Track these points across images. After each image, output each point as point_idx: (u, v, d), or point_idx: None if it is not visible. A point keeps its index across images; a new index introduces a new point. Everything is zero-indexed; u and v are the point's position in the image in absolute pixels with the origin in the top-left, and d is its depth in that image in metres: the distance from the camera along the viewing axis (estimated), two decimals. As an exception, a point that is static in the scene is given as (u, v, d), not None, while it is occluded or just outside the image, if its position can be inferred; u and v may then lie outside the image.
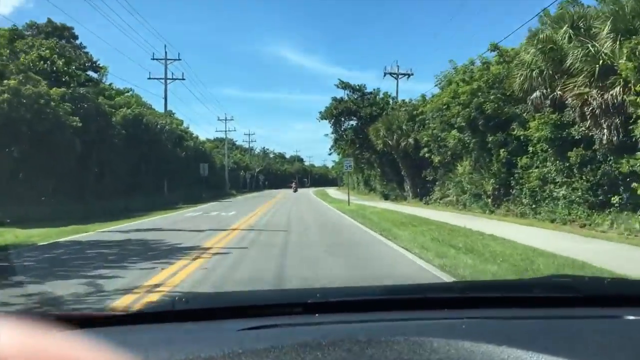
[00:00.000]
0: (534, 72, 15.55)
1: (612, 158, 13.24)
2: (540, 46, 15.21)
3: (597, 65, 12.92)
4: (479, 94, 18.50)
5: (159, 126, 31.60)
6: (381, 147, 30.87)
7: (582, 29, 14.54)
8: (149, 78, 40.50)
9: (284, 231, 12.14)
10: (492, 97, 17.58)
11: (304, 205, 28.32)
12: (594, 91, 13.05)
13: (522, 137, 17.24)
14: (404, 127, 30.02)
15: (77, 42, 35.52)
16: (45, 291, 5.48)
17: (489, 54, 19.11)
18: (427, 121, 28.91)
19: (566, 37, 14.70)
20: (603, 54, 12.93)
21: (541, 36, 15.23)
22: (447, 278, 5.95)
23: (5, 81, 19.88)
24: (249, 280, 6.01)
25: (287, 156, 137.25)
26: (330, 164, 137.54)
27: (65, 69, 25.30)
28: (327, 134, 39.72)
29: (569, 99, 14.27)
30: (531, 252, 8.07)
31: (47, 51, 25.00)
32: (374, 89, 36.62)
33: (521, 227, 13.73)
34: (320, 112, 36.36)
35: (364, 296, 1.49)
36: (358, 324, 1.21)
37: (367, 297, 1.47)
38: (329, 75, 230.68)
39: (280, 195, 45.76)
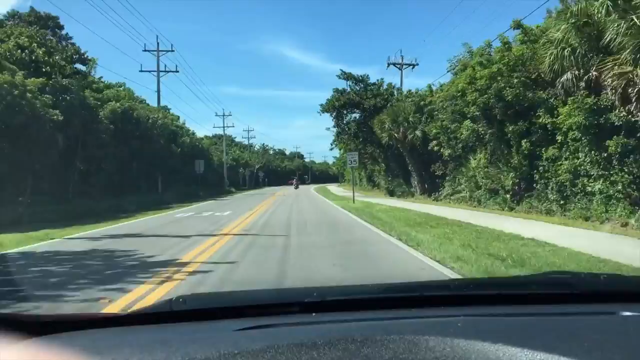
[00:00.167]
0: (566, 51, 13.72)
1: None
2: (572, 21, 13.37)
3: (645, 39, 11.13)
4: (499, 78, 16.65)
5: (150, 121, 29.74)
6: (386, 140, 29.04)
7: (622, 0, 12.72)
8: (141, 70, 38.67)
9: (283, 236, 10.32)
10: (515, 80, 15.71)
11: (306, 203, 26.51)
12: (640, 69, 11.26)
13: (548, 125, 15.42)
14: (410, 118, 28.17)
15: (64, 32, 33.71)
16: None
17: (510, 33, 17.21)
18: (435, 112, 27.10)
19: (603, 10, 12.84)
20: (652, 26, 11.13)
21: (574, 9, 13.38)
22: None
23: (-25, 70, 18.09)
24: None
25: (287, 153, 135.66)
26: (331, 160, 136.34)
27: (47, 58, 23.48)
28: (329, 128, 37.86)
29: (608, 80, 12.45)
30: (600, 264, 6.30)
31: (27, 40, 23.19)
32: (377, 80, 34.75)
33: (556, 227, 11.91)
34: (321, 105, 34.51)
35: (361, 295, 1.47)
36: (355, 323, 1.19)
37: (364, 296, 1.45)
38: (330, 72, 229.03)
39: (280, 193, 43.94)
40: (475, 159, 22.40)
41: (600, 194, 13.43)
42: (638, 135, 12.20)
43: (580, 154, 14.09)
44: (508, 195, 19.04)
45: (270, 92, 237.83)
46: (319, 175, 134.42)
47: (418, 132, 27.38)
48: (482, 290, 1.53)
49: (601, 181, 13.36)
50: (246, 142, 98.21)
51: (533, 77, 15.73)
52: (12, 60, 21.24)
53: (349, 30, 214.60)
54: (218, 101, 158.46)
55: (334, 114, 34.40)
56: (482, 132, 20.46)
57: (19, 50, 22.24)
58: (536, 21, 28.00)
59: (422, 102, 28.46)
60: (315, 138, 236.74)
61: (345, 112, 34.56)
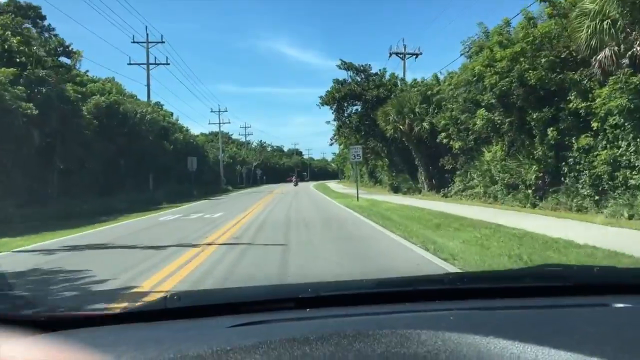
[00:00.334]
0: (605, 24, 11.85)
1: None
2: (613, -12, 11.51)
3: None
4: (521, 59, 14.78)
5: (138, 115, 27.81)
6: (391, 133, 27.14)
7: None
8: (129, 63, 36.64)
9: (280, 246, 8.40)
10: (543, 60, 13.84)
11: (306, 202, 24.63)
12: None
13: (581, 111, 13.59)
14: (417, 109, 26.29)
15: (46, 23, 31.69)
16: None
17: (534, 7, 15.30)
18: (444, 102, 25.24)
19: (651, -27, 11.01)
20: None
21: (616, -26, 11.52)
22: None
23: None
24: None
25: (285, 150, 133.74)
26: (329, 157, 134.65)
27: (22, 48, 21.55)
28: (329, 121, 35.83)
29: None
30: None
31: (-1, 28, 21.27)
32: (379, 70, 32.73)
33: (606, 229, 10.06)
34: (320, 97, 32.46)
35: (355, 290, 1.45)
36: (348, 318, 1.19)
37: (358, 291, 1.43)
38: (328, 69, 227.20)
39: (278, 191, 42.06)
40: (490, 152, 20.56)
41: (647, 187, 11.64)
42: (697, 118, 10.40)
43: (622, 143, 12.26)
44: (530, 191, 17.21)
45: (268, 90, 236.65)
46: (317, 172, 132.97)
47: (425, 124, 25.51)
48: (475, 284, 1.50)
49: (648, 173, 11.57)
50: (243, 139, 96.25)
51: (562, 56, 13.86)
52: (-19, 50, 19.36)
53: (348, 26, 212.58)
54: (215, 99, 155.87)
55: (334, 106, 32.40)
56: (499, 121, 18.62)
57: (-11, 39, 20.33)
58: None
59: (428, 92, 26.58)
60: (313, 135, 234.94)
61: (346, 104, 32.58)
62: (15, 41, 21.15)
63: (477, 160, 21.86)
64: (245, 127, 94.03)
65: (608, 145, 12.78)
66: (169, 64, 37.75)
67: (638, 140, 11.68)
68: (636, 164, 11.90)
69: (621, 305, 1.23)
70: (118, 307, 1.48)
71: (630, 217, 11.80)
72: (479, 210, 16.28)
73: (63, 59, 30.75)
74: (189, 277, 5.74)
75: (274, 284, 2.34)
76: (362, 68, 32.03)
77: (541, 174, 16.47)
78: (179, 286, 4.98)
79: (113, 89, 31.55)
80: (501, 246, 7.42)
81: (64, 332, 1.15)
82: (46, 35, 30.94)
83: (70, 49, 32.15)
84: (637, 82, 11.33)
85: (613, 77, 11.86)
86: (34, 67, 21.44)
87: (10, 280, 5.04)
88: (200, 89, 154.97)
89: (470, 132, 22.28)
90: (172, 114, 46.22)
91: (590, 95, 13.09)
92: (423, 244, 8.07)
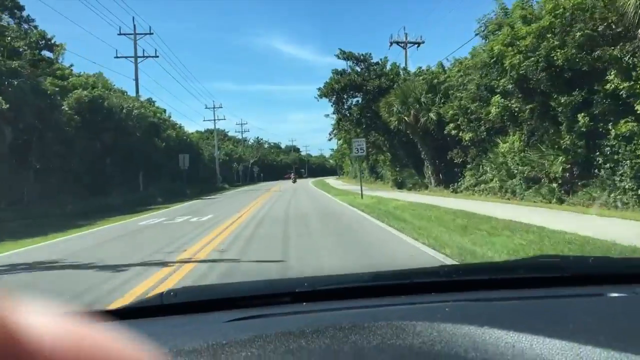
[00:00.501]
0: (655, -13, 10.11)
1: None
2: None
3: None
4: (548, 35, 13.02)
5: (124, 111, 25.96)
6: (395, 125, 25.34)
7: None
8: (116, 57, 34.72)
9: (277, 263, 6.57)
10: (577, 35, 12.06)
11: (305, 201, 22.85)
12: None
13: (622, 92, 11.84)
14: (422, 99, 24.50)
15: (25, 14, 29.79)
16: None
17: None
18: (451, 91, 23.48)
19: None
20: None
21: None
22: None
23: None
24: None
25: (283, 146, 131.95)
26: (327, 153, 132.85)
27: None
28: (328, 114, 33.97)
29: None
30: None
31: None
32: (381, 59, 30.81)
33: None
34: (319, 89, 30.60)
35: (351, 283, 1.44)
36: (344, 311, 1.19)
37: (355, 284, 1.43)
38: (324, 65, 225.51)
39: (275, 188, 40.25)
40: (505, 143, 18.83)
41: None
42: None
43: (674, 127, 10.54)
44: (555, 185, 15.47)
45: (265, 87, 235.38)
46: (315, 168, 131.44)
47: (432, 115, 23.73)
48: (471, 276, 1.50)
49: None
50: (240, 137, 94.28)
51: (599, 29, 12.10)
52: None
53: (344, 20, 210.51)
54: (212, 97, 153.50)
55: (333, 98, 30.52)
56: (517, 108, 16.89)
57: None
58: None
59: (435, 80, 24.79)
60: (311, 131, 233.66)
61: (345, 96, 30.71)
62: (-17, 30, 19.34)
63: (490, 153, 20.11)
64: (242, 124, 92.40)
65: (655, 131, 11.08)
66: (157, 56, 35.87)
67: (696, 123, 9.96)
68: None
69: (616, 294, 1.22)
70: (113, 305, 1.52)
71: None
72: (500, 207, 14.54)
73: (46, 53, 29.12)
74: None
75: (271, 279, 2.04)
76: (362, 57, 30.15)
77: (569, 166, 14.74)
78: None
79: (99, 83, 29.73)
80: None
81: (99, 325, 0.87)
82: (26, 27, 29.09)
83: (52, 42, 30.36)
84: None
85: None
86: (5, 58, 19.62)
87: None
88: (197, 87, 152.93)
89: (482, 122, 20.54)
90: (164, 110, 44.35)
91: (633, 74, 11.35)
92: (460, 256, 6.30)
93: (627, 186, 12.15)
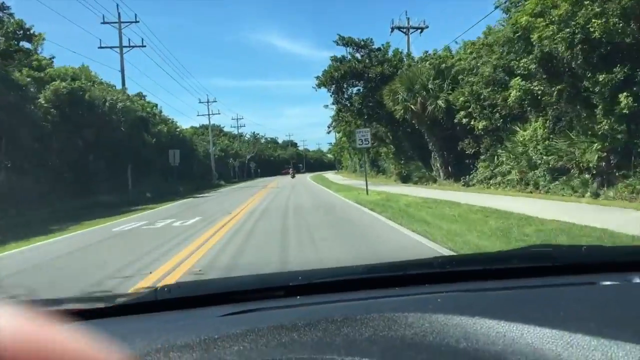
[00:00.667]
0: None
1: None
2: None
3: None
4: (586, 2, 11.19)
5: (108, 104, 24.05)
6: (401, 114, 23.49)
7: None
8: (100, 47, 32.69)
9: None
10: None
11: (305, 198, 21.01)
12: None
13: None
14: (430, 85, 22.65)
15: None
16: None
17: None
18: (461, 76, 21.67)
19: None
20: None
21: None
22: None
23: None
24: None
25: (280, 141, 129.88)
26: (325, 148, 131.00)
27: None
28: (327, 105, 31.99)
29: None
30: None
31: None
32: (382, 44, 28.83)
33: None
34: (317, 77, 28.64)
35: (345, 276, 1.43)
36: (337, 304, 1.18)
37: (349, 277, 1.42)
38: (319, 60, 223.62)
39: (273, 184, 38.41)
40: (526, 130, 17.04)
41: None
42: None
43: None
44: (588, 176, 13.69)
45: (260, 83, 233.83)
46: (313, 163, 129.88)
47: (440, 102, 21.90)
48: (464, 267, 1.50)
49: None
50: (236, 132, 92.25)
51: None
52: None
53: (339, 12, 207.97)
54: (208, 93, 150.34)
55: (333, 87, 28.58)
56: (540, 91, 15.09)
57: None
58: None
59: (442, 65, 22.95)
60: (308, 126, 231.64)
61: (345, 85, 28.78)
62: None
63: (507, 142, 18.32)
64: (238, 119, 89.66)
65: None
66: (144, 46, 33.89)
67: None
68: None
69: (608, 282, 1.23)
70: (105, 302, 1.34)
71: None
72: (528, 202, 12.78)
73: (25, 45, 27.24)
74: None
75: (266, 273, 1.66)
76: (362, 43, 28.16)
77: (605, 154, 12.95)
78: None
79: (82, 75, 27.79)
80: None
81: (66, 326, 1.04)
82: (0, 14, 27.15)
83: (31, 32, 28.43)
84: None
85: None
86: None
87: None
88: (192, 83, 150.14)
89: (497, 109, 18.75)
90: (156, 105, 42.37)
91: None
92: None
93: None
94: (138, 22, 33.35)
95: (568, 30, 11.50)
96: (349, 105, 29.04)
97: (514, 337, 0.84)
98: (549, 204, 11.96)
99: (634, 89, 11.40)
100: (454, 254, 5.51)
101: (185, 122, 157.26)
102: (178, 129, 46.14)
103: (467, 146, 21.54)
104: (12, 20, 26.59)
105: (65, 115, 21.91)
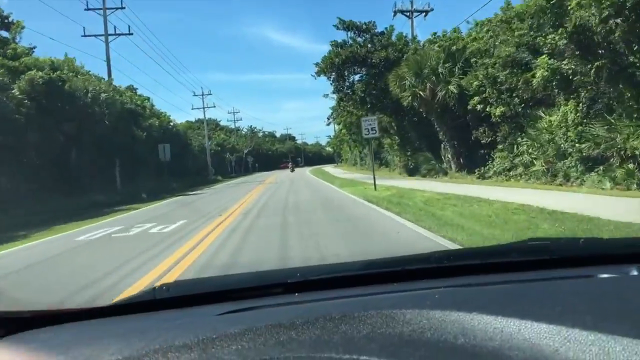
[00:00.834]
0: None
1: None
2: None
3: None
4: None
5: (90, 95, 22.15)
6: (409, 100, 21.63)
7: None
8: (84, 35, 30.73)
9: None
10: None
11: (306, 194, 19.19)
12: None
13: None
14: (440, 70, 20.79)
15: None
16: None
17: None
18: (474, 59, 19.85)
19: None
20: None
21: None
22: None
23: None
24: None
25: (278, 135, 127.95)
26: (323, 141, 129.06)
27: None
28: (327, 94, 30.08)
29: None
30: None
31: None
32: (386, 28, 26.84)
33: None
34: (316, 64, 26.70)
35: (343, 272, 1.42)
36: (335, 301, 1.17)
37: (346, 273, 1.41)
38: (317, 53, 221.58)
39: (271, 180, 36.60)
40: (552, 115, 15.24)
41: None
42: None
43: None
44: (633, 165, 11.90)
45: (256, 77, 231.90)
46: (312, 156, 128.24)
47: (452, 87, 20.06)
48: (462, 261, 1.48)
49: None
50: (233, 126, 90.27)
51: None
52: None
53: (337, 5, 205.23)
54: (205, 88, 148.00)
55: (333, 75, 26.67)
56: (571, 71, 13.29)
57: None
58: None
59: (453, 47, 21.08)
60: (306, 119, 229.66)
61: (347, 72, 26.88)
62: None
63: (530, 129, 16.51)
64: (234, 113, 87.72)
65: None
66: (132, 33, 31.96)
67: None
68: None
69: (606, 275, 1.22)
70: (103, 301, 1.35)
71: None
72: (569, 198, 11.00)
73: (2, 33, 25.37)
74: None
75: (263, 270, 1.61)
76: (365, 27, 26.22)
77: (656, 140, 11.17)
78: None
79: (65, 65, 25.87)
80: None
81: (49, 329, 1.10)
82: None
83: (9, 20, 26.52)
84: None
85: None
86: None
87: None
88: (188, 78, 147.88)
89: (519, 92, 16.94)
90: (147, 98, 40.41)
91: None
92: None
93: None
94: (124, 8, 31.41)
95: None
96: (350, 93, 27.14)
97: (512, 332, 0.83)
98: (597, 200, 10.17)
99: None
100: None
101: (182, 117, 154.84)
102: (171, 123, 44.20)
103: (482, 135, 19.74)
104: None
105: (42, 107, 20.03)
